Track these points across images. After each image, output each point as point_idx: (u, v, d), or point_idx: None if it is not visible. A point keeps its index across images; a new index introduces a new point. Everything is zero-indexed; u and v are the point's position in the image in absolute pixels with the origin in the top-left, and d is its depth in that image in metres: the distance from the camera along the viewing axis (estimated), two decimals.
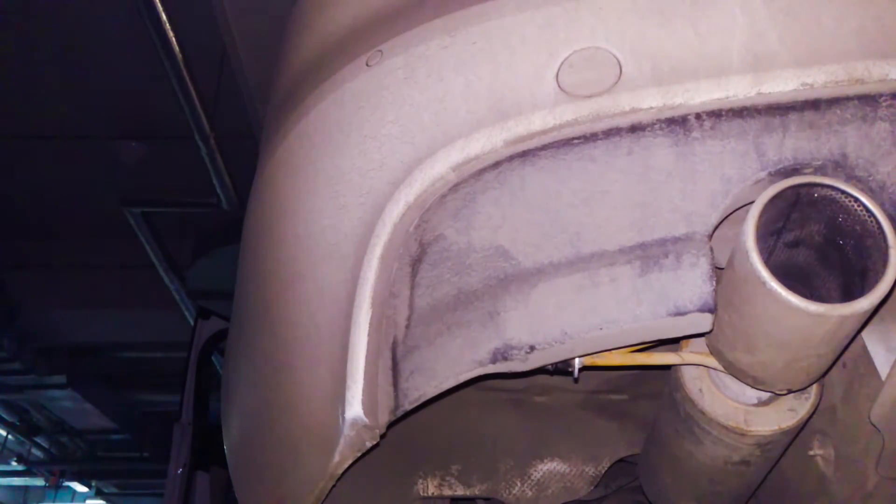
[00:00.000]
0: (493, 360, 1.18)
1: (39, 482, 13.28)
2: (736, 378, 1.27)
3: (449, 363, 1.20)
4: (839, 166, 1.13)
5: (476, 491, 1.86)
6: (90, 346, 9.30)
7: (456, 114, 1.24)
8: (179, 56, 4.56)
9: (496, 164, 1.22)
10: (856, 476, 1.33)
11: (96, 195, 6.85)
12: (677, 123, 1.16)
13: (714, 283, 1.12)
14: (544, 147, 1.19)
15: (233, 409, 1.70)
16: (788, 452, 1.44)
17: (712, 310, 1.11)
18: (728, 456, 1.39)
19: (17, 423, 11.04)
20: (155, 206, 6.28)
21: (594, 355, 1.27)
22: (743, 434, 1.32)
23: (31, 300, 8.09)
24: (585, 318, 1.15)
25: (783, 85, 1.14)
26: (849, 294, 1.10)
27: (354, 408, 1.19)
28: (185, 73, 4.69)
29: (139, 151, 6.53)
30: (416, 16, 1.34)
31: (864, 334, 1.23)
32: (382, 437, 1.22)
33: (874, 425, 1.22)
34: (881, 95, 1.12)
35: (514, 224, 1.21)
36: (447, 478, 1.86)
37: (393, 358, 1.24)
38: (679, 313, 1.11)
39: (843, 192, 1.07)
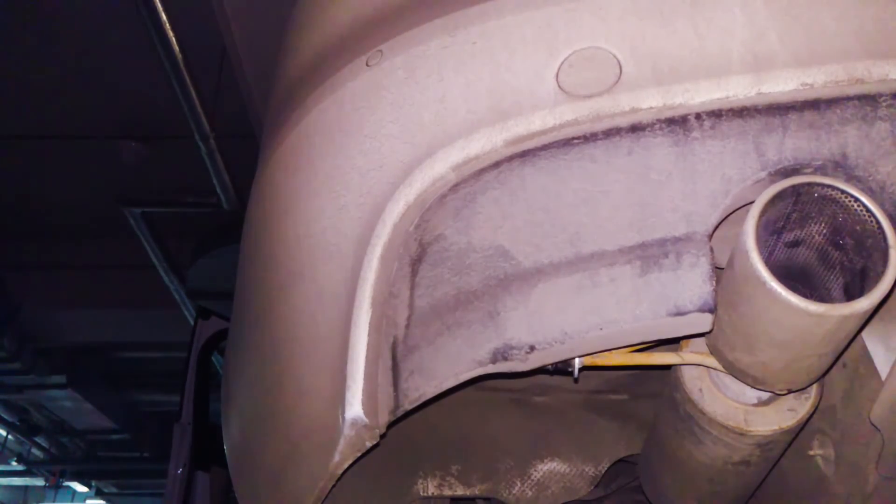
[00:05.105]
0: (493, 360, 1.17)
1: (39, 482, 13.29)
2: (736, 378, 1.27)
3: (449, 363, 1.20)
4: (839, 166, 1.13)
5: (476, 491, 1.87)
6: (90, 346, 9.31)
7: (456, 114, 1.24)
8: (179, 56, 4.57)
9: (496, 164, 1.22)
10: (856, 476, 1.33)
11: (96, 195, 6.85)
12: (677, 123, 1.16)
13: (714, 283, 1.12)
14: (544, 147, 1.19)
15: (233, 409, 1.70)
16: (788, 452, 1.44)
17: (712, 310, 1.11)
18: (728, 456, 1.39)
19: (17, 423, 11.05)
20: (155, 206, 6.29)
21: (594, 355, 1.27)
22: (743, 434, 1.32)
23: (31, 300, 8.10)
24: (585, 318, 1.15)
25: (783, 85, 1.14)
26: (849, 294, 1.10)
27: (354, 408, 1.19)
28: (185, 73, 4.70)
29: (139, 151, 6.54)
30: (416, 16, 1.34)
31: (864, 334, 1.23)
32: (382, 437, 1.22)
33: (874, 425, 1.22)
34: (881, 95, 1.12)
35: (514, 224, 1.21)
36: (447, 478, 1.86)
37: (393, 358, 1.24)
38: (679, 313, 1.11)
39: (843, 191, 1.07)
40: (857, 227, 1.07)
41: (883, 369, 1.21)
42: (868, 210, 1.05)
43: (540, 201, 1.20)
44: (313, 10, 1.60)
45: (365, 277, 1.25)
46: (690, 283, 1.12)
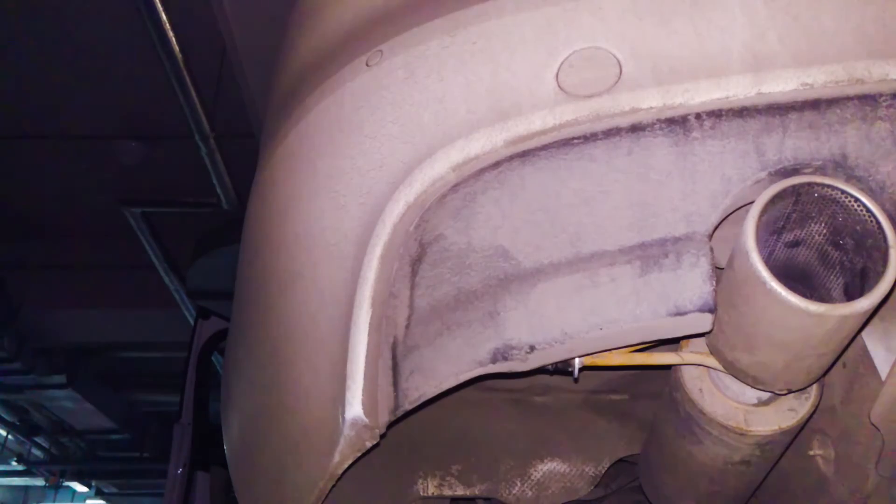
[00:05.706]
0: (493, 360, 1.17)
1: (39, 482, 13.28)
2: (736, 378, 1.27)
3: (449, 363, 1.20)
4: (839, 166, 1.13)
5: (476, 491, 1.86)
6: (90, 346, 9.30)
7: (456, 114, 1.24)
8: (179, 56, 4.57)
9: (496, 164, 1.22)
10: (856, 476, 1.33)
11: (96, 195, 6.85)
12: (677, 123, 1.16)
13: (714, 283, 1.12)
14: (544, 147, 1.19)
15: (233, 409, 1.70)
16: (788, 452, 1.44)
17: (712, 310, 1.11)
18: (728, 456, 1.39)
19: (17, 423, 11.04)
20: (155, 206, 6.29)
21: (594, 355, 1.27)
22: (743, 434, 1.32)
23: (31, 300, 8.09)
24: (585, 318, 1.15)
25: (783, 85, 1.14)
26: (849, 294, 1.10)
27: (354, 408, 1.19)
28: (185, 73, 4.70)
29: (139, 151, 6.54)
30: (416, 16, 1.34)
31: (864, 334, 1.23)
32: (382, 437, 1.22)
33: (874, 425, 1.22)
34: (881, 95, 1.12)
35: (514, 224, 1.21)
36: (447, 478, 1.86)
37: (393, 358, 1.24)
38: (679, 313, 1.11)
39: (843, 191, 1.07)
40: (857, 227, 1.07)
41: (883, 369, 1.21)
42: (868, 210, 1.05)
43: (540, 201, 1.20)
44: (313, 10, 1.60)
45: (365, 277, 1.25)
46: (690, 283, 1.12)
